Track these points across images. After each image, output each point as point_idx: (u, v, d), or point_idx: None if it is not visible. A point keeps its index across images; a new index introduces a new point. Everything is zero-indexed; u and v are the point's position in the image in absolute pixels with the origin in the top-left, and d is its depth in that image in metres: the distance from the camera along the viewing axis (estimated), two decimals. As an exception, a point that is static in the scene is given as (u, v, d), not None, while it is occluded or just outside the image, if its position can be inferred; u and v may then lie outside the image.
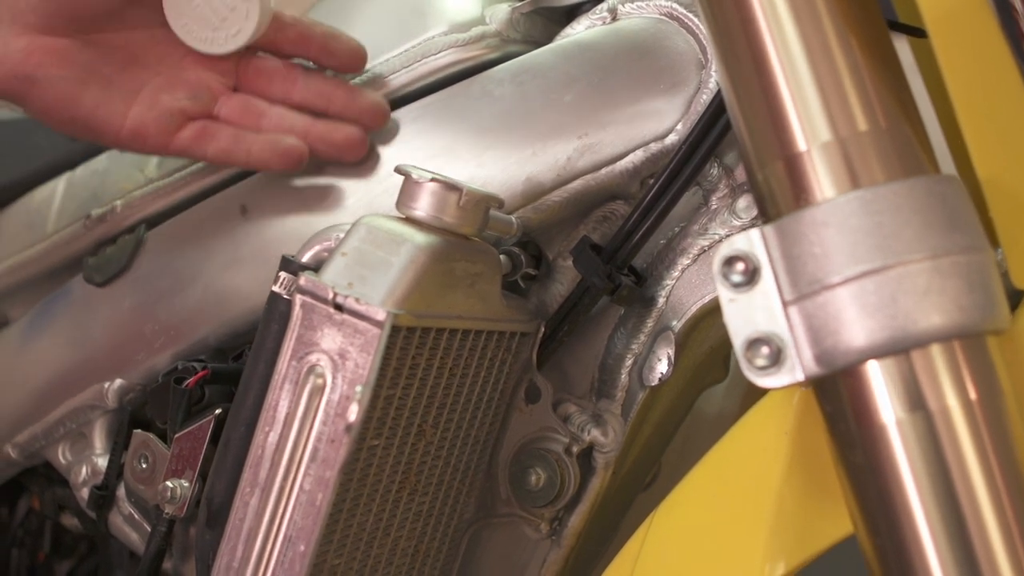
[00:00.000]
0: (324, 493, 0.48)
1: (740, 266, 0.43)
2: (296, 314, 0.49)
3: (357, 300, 0.47)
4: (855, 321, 0.41)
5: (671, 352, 0.56)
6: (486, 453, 0.59)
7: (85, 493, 0.64)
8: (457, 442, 0.57)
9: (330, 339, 0.48)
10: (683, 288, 0.57)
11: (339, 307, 0.48)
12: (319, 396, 0.48)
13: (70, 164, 0.73)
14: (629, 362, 0.58)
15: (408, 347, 0.50)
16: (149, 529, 0.61)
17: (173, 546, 0.60)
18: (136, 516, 0.62)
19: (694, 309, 0.56)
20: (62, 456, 0.66)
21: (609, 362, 0.59)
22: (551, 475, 0.57)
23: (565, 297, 0.59)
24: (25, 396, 0.67)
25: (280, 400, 0.49)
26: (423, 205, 0.50)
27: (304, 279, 0.49)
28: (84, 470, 0.64)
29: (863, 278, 0.41)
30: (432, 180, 0.50)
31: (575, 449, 0.57)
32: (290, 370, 0.49)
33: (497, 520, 0.60)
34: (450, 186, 0.50)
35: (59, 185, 0.72)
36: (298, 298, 0.49)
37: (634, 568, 0.51)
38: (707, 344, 0.59)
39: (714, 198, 0.57)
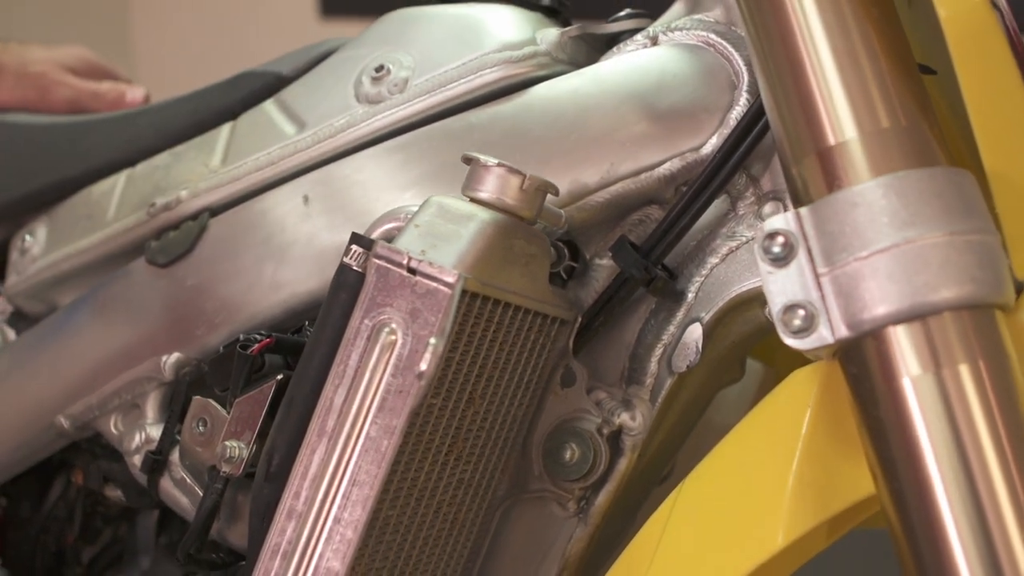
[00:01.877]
0: (390, 440, 0.53)
1: (780, 239, 0.49)
2: (371, 278, 0.54)
3: (431, 264, 0.52)
4: (880, 289, 0.47)
5: (699, 341, 0.62)
6: (521, 433, 0.64)
7: (137, 460, 0.67)
8: (499, 417, 0.61)
9: (403, 300, 0.53)
10: (712, 284, 0.62)
11: (413, 271, 0.53)
12: (389, 351, 0.53)
13: (129, 162, 0.78)
14: (659, 351, 0.63)
15: (469, 313, 0.55)
16: (200, 493, 0.64)
17: (221, 510, 0.63)
18: (188, 480, 0.66)
19: (722, 303, 0.62)
20: (114, 426, 0.70)
21: (640, 351, 0.64)
22: (585, 451, 0.62)
23: (600, 294, 0.64)
24: (81, 369, 0.71)
25: (351, 356, 0.54)
26: (488, 187, 0.56)
27: (380, 246, 0.54)
28: (137, 437, 0.68)
29: (887, 251, 0.47)
30: (498, 165, 0.56)
31: (605, 431, 0.62)
32: (362, 328, 0.54)
33: (528, 496, 0.64)
34: (513, 170, 0.56)
35: (119, 180, 0.77)
36: (374, 263, 0.54)
37: (664, 529, 0.56)
38: (730, 339, 0.64)
39: (741, 205, 0.63)
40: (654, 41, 0.66)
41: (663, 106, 0.63)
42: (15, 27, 1.63)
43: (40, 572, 0.81)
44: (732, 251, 0.62)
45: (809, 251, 0.49)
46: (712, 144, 0.62)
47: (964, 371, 0.46)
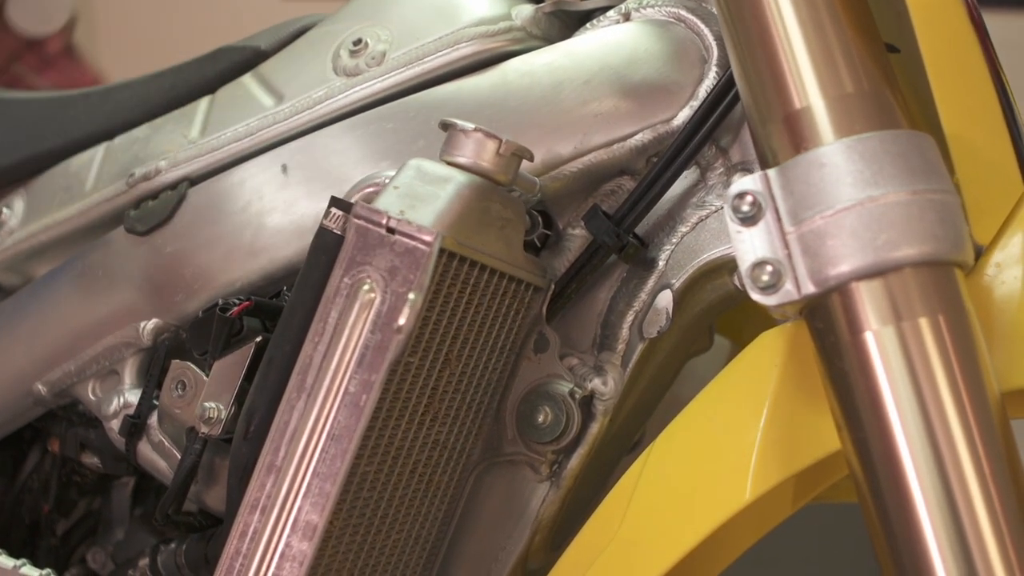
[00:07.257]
0: (368, 395, 0.54)
1: (749, 199, 0.50)
2: (350, 237, 0.55)
3: (409, 223, 0.54)
4: (844, 247, 0.49)
5: (670, 307, 0.63)
6: (495, 398, 0.65)
7: (115, 424, 0.68)
8: (474, 380, 0.62)
9: (382, 258, 0.54)
10: (682, 252, 0.64)
11: (392, 230, 0.54)
12: (368, 308, 0.54)
13: (108, 135, 0.78)
14: (630, 318, 0.65)
15: (446, 273, 0.56)
16: (178, 456, 0.65)
17: (199, 472, 0.64)
18: (166, 443, 0.66)
19: (692, 270, 0.63)
20: (92, 392, 0.70)
21: (611, 319, 0.65)
22: (557, 414, 0.63)
23: (573, 262, 0.66)
24: (59, 335, 0.71)
25: (330, 313, 0.55)
26: (466, 152, 0.57)
27: (360, 206, 0.55)
28: (115, 402, 0.68)
29: (851, 210, 0.49)
30: (475, 129, 0.57)
31: (577, 396, 0.64)
32: (342, 286, 0.55)
33: (501, 460, 0.66)
34: (490, 135, 0.57)
35: (98, 152, 0.78)
36: (353, 222, 0.55)
37: (635, 487, 0.57)
38: (699, 306, 0.66)
39: (711, 175, 0.64)
40: (626, 17, 0.68)
41: (635, 79, 0.65)
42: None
43: (15, 544, 0.81)
44: (702, 220, 0.64)
45: (776, 210, 0.50)
46: (683, 116, 0.64)
47: (924, 324, 0.48)
